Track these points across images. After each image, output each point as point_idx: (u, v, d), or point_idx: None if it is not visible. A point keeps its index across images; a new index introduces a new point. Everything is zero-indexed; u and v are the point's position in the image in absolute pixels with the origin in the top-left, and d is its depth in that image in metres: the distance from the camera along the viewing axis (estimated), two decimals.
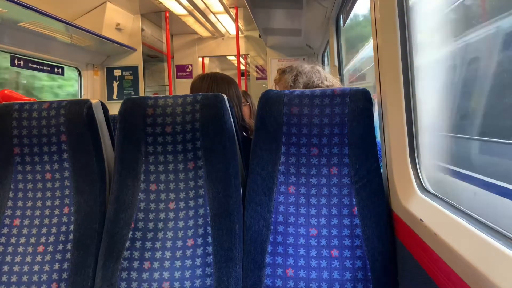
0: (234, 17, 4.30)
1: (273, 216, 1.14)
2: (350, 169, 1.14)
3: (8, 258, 1.16)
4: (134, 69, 4.16)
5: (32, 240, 1.18)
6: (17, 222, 1.20)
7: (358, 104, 1.13)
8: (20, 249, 1.17)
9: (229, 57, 6.17)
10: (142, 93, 4.17)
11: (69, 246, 1.16)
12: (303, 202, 1.14)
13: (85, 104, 1.23)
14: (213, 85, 1.55)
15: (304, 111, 1.15)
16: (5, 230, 1.19)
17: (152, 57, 4.96)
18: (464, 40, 1.01)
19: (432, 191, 1.00)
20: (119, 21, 3.84)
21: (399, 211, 1.04)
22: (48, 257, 1.16)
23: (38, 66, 3.24)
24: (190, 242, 1.12)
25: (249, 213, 1.14)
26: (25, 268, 1.15)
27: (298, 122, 1.16)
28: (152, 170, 1.18)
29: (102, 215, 1.18)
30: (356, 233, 1.10)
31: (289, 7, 2.80)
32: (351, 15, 2.53)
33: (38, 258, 1.16)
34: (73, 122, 1.22)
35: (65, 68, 3.72)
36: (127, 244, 1.13)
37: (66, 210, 1.20)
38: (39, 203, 1.22)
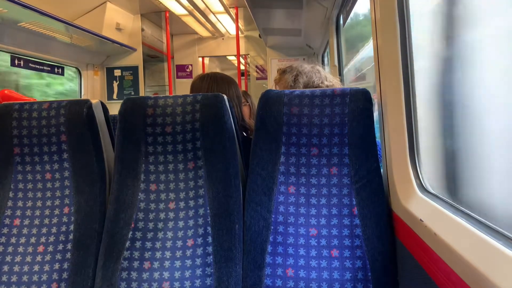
0: (234, 17, 4.30)
1: (273, 216, 1.14)
2: (350, 169, 1.14)
3: (8, 258, 1.16)
4: (134, 69, 4.16)
5: (32, 240, 1.18)
6: (17, 222, 1.20)
7: (358, 104, 1.13)
8: (20, 249, 1.17)
9: (229, 57, 6.17)
10: (142, 93, 4.17)
11: (69, 246, 1.16)
12: (303, 202, 1.14)
13: (85, 104, 1.23)
14: (213, 85, 1.55)
15: (304, 111, 1.16)
16: (5, 230, 1.19)
17: (152, 57, 4.96)
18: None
19: (432, 191, 1.00)
20: (119, 21, 3.84)
21: (399, 211, 1.04)
22: (48, 257, 1.16)
23: (38, 66, 3.24)
24: (190, 242, 1.12)
25: (249, 213, 1.14)
26: (25, 268, 1.15)
27: (298, 122, 1.16)
28: (152, 170, 1.18)
29: (102, 215, 1.18)
30: (356, 233, 1.10)
31: (289, 7, 2.80)
32: (352, 14, 2.52)
33: (38, 258, 1.16)
34: (73, 122, 1.22)
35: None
36: (127, 244, 1.13)
37: (66, 210, 1.20)
38: (39, 203, 1.22)
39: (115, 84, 4.17)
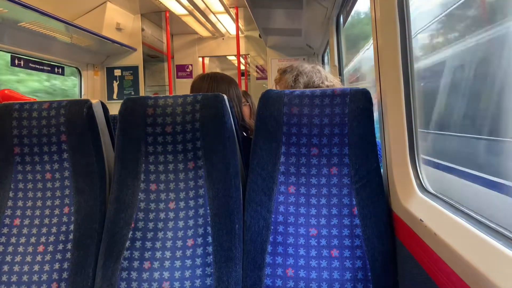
0: (234, 17, 4.30)
1: (273, 216, 1.14)
2: (350, 169, 1.14)
3: (8, 258, 1.16)
4: (134, 69, 4.16)
5: (32, 240, 1.18)
6: (17, 222, 1.20)
7: (358, 104, 1.13)
8: (20, 249, 1.17)
9: (229, 57, 6.17)
10: (142, 93, 4.17)
11: (69, 246, 1.16)
12: (303, 202, 1.14)
13: (85, 104, 1.23)
14: (214, 85, 1.55)
15: (304, 111, 1.16)
16: (5, 230, 1.19)
17: (152, 57, 4.96)
18: None
19: (432, 191, 1.00)
20: (119, 21, 3.84)
21: (399, 211, 1.04)
22: (48, 257, 1.16)
23: (38, 66, 3.24)
24: (190, 242, 1.12)
25: (249, 213, 1.14)
26: (25, 268, 1.15)
27: (298, 122, 1.16)
28: (152, 170, 1.18)
29: (102, 215, 1.18)
30: (356, 233, 1.10)
31: (289, 7, 2.80)
32: (353, 12, 2.52)
33: (38, 258, 1.16)
34: (73, 122, 1.22)
35: None
36: (127, 244, 1.13)
37: (66, 210, 1.20)
38: (39, 203, 1.22)
39: (115, 84, 4.17)
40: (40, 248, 1.17)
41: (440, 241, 0.75)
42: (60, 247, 1.17)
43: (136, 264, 1.11)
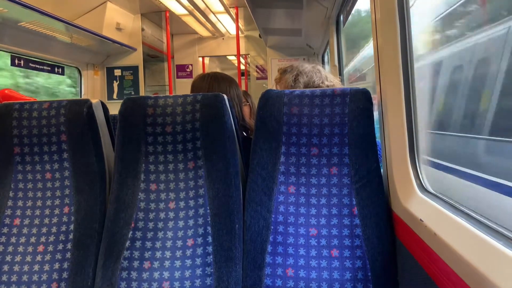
0: (234, 17, 4.30)
1: (273, 216, 1.14)
2: (350, 169, 1.14)
3: (8, 258, 1.16)
4: (134, 69, 4.16)
5: (32, 239, 1.18)
6: (17, 221, 1.20)
7: (358, 104, 1.13)
8: (20, 249, 1.17)
9: (229, 57, 6.17)
10: (142, 92, 4.17)
11: (69, 246, 1.16)
12: (303, 202, 1.14)
13: (85, 104, 1.23)
14: (214, 84, 1.55)
15: (304, 111, 1.16)
16: (5, 230, 1.19)
17: (152, 57, 4.96)
18: None
19: (432, 191, 1.00)
20: (119, 21, 3.84)
21: (399, 211, 1.04)
22: (48, 257, 1.16)
23: (38, 66, 3.24)
24: (190, 242, 1.12)
25: (249, 213, 1.14)
26: (25, 268, 1.15)
27: (298, 122, 1.16)
28: (152, 169, 1.18)
29: (102, 214, 1.18)
30: (356, 233, 1.10)
31: (289, 7, 2.80)
32: (353, 11, 2.52)
33: (38, 258, 1.16)
34: (73, 122, 1.22)
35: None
36: (127, 243, 1.13)
37: (66, 209, 1.20)
38: (39, 203, 1.22)
39: (115, 84, 4.17)
40: (40, 248, 1.17)
41: (440, 241, 0.75)
42: (60, 247, 1.17)
43: (136, 264, 1.11)
